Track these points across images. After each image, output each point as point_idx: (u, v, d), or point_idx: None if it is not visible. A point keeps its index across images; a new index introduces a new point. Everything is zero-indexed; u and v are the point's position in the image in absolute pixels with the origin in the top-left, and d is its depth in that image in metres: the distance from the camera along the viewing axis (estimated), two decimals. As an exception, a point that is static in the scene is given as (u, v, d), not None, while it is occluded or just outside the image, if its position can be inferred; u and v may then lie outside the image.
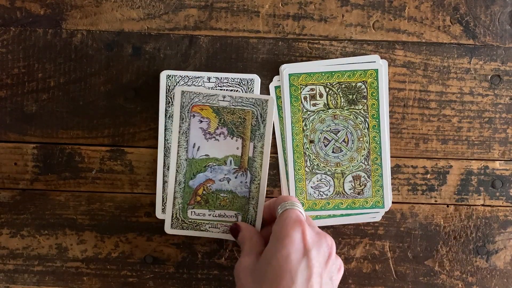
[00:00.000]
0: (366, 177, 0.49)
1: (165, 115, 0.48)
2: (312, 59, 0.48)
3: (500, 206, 0.50)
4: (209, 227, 0.47)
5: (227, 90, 0.48)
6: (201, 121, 0.45)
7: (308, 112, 0.48)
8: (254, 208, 0.46)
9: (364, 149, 0.49)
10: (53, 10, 0.48)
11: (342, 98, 0.48)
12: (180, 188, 0.46)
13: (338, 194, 0.49)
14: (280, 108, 0.49)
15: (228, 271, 0.50)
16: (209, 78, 0.47)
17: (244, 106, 0.45)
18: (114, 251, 0.50)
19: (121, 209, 0.49)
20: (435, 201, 0.50)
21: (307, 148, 0.48)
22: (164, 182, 0.48)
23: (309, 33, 0.48)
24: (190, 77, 0.47)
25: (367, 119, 0.48)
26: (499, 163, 0.50)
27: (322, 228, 0.48)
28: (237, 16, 0.48)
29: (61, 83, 0.49)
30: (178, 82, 0.47)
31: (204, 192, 0.46)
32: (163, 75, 0.47)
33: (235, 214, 0.46)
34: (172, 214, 0.46)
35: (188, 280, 0.50)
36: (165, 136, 0.48)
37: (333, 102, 0.48)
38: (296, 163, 0.49)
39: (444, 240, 0.50)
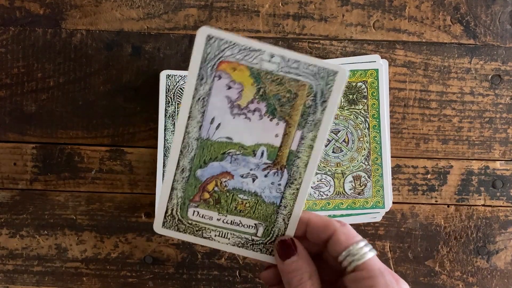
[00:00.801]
0: (367, 177, 0.49)
1: (165, 115, 0.48)
2: (312, 59, 0.48)
3: (500, 206, 0.50)
4: (215, 235, 0.36)
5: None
6: (230, 87, 0.32)
7: (308, 112, 0.48)
8: (285, 221, 0.34)
9: (364, 149, 0.48)
10: (53, 10, 0.48)
11: (342, 98, 0.48)
12: (183, 177, 0.34)
13: (338, 194, 0.49)
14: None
15: (228, 271, 0.50)
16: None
17: (300, 75, 0.31)
18: (114, 251, 0.50)
19: (120, 209, 0.49)
20: (436, 201, 0.50)
21: (307, 148, 0.48)
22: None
23: (309, 33, 0.48)
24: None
25: (368, 119, 0.48)
26: (500, 163, 0.49)
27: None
28: (237, 15, 0.48)
29: (61, 83, 0.48)
30: (178, 82, 0.47)
31: (216, 188, 0.34)
32: (163, 75, 0.47)
33: (255, 224, 0.35)
34: (167, 209, 0.35)
35: (188, 280, 0.50)
36: (165, 136, 0.48)
37: (333, 102, 0.48)
38: (296, 163, 0.48)
39: (445, 240, 0.50)
